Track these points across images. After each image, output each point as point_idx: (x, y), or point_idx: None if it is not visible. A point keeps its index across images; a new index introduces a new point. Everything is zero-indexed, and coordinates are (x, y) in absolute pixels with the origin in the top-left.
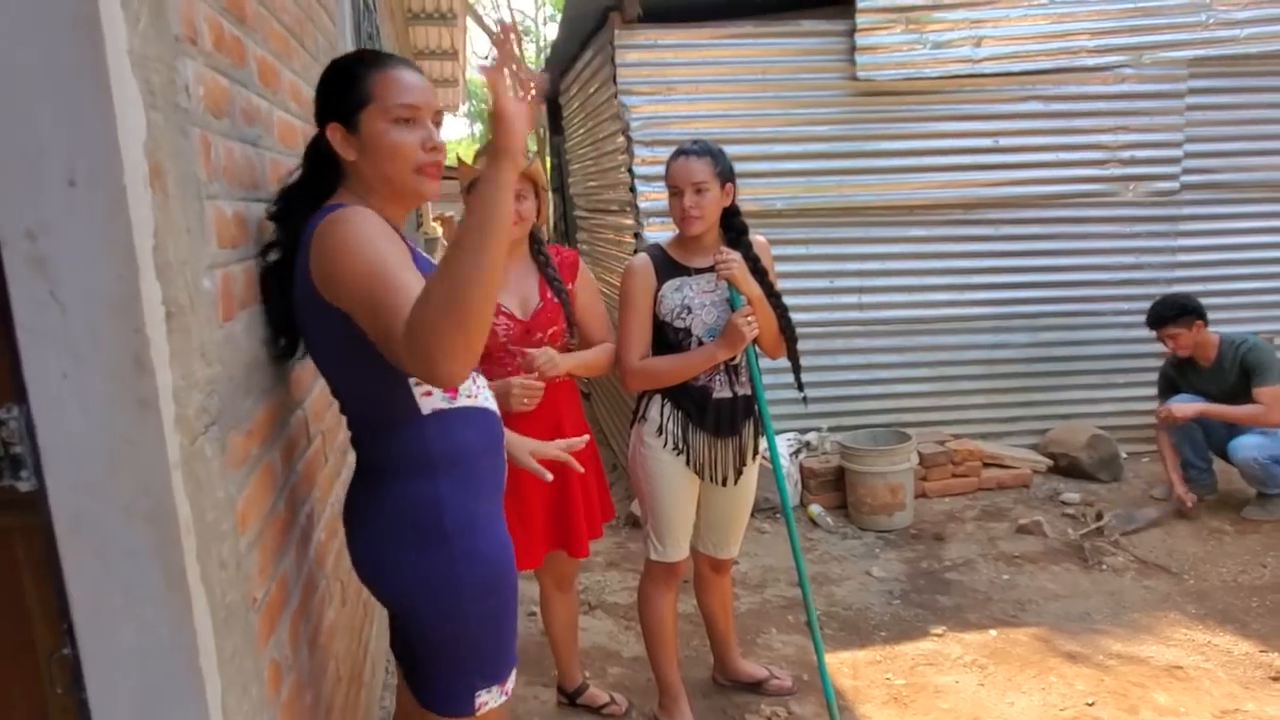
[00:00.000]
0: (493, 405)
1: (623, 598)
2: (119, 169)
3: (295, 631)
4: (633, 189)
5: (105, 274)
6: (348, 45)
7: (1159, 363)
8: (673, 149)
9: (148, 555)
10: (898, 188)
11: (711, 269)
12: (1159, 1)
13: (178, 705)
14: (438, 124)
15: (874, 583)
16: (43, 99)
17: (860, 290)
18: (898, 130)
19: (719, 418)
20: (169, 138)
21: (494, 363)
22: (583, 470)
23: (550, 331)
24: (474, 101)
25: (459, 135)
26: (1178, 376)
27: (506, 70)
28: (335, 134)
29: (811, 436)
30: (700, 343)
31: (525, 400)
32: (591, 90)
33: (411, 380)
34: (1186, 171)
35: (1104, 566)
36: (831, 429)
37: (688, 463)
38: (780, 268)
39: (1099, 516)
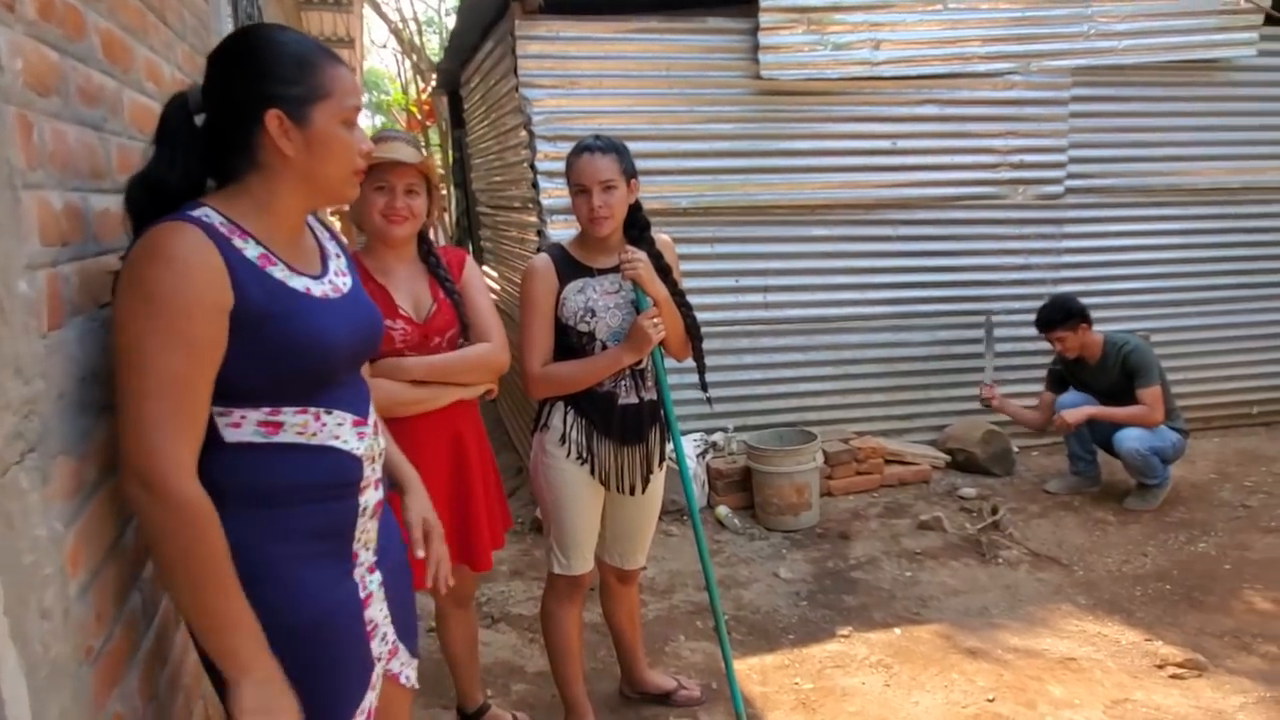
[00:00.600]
0: (347, 445)
1: (528, 609)
2: None
3: (148, 677)
4: (535, 185)
5: None
6: (224, 26)
7: (1047, 360)
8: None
9: None
10: (801, 187)
11: (615, 269)
12: (1044, 12)
13: None
14: None
15: (781, 584)
16: None
17: (765, 289)
18: (800, 130)
19: (625, 424)
20: None
21: None
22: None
23: (448, 334)
24: (374, 93)
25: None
26: (1065, 372)
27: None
28: (274, 123)
29: (718, 437)
30: (605, 347)
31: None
32: (493, 82)
33: (215, 406)
34: (1070, 176)
35: (1000, 560)
36: (737, 429)
37: (592, 472)
38: (685, 266)
39: (994, 511)
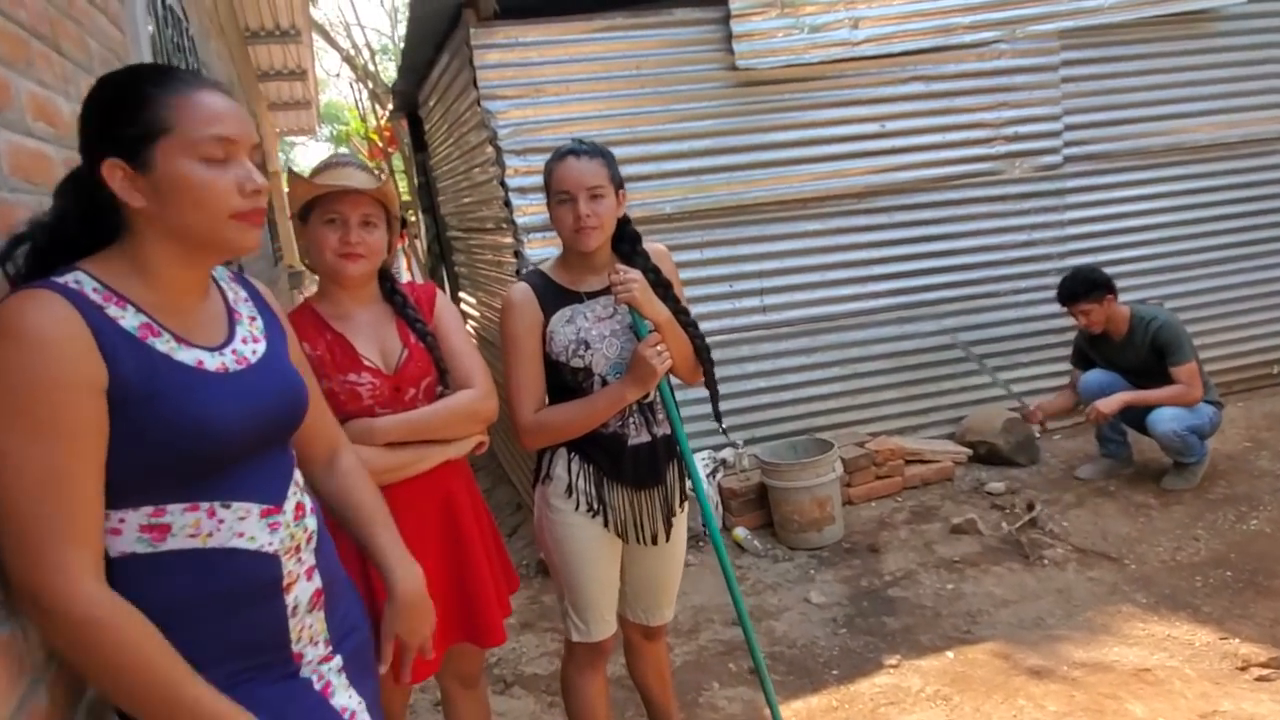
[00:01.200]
0: (254, 543)
1: (542, 666)
2: None
3: None
4: (508, 203)
5: None
6: (144, 58)
7: (1060, 339)
8: (546, 157)
9: None
10: (788, 181)
11: (606, 291)
12: None
13: None
14: (256, 160)
15: (815, 610)
16: None
17: (761, 292)
18: (783, 120)
19: (638, 466)
20: None
21: None
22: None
23: (424, 384)
24: (334, 125)
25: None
26: (1089, 348)
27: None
28: (114, 173)
29: (727, 454)
30: (604, 382)
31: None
32: (452, 99)
33: None
34: (1068, 144)
35: (1045, 561)
36: (747, 442)
37: (606, 524)
38: None
39: (1030, 506)
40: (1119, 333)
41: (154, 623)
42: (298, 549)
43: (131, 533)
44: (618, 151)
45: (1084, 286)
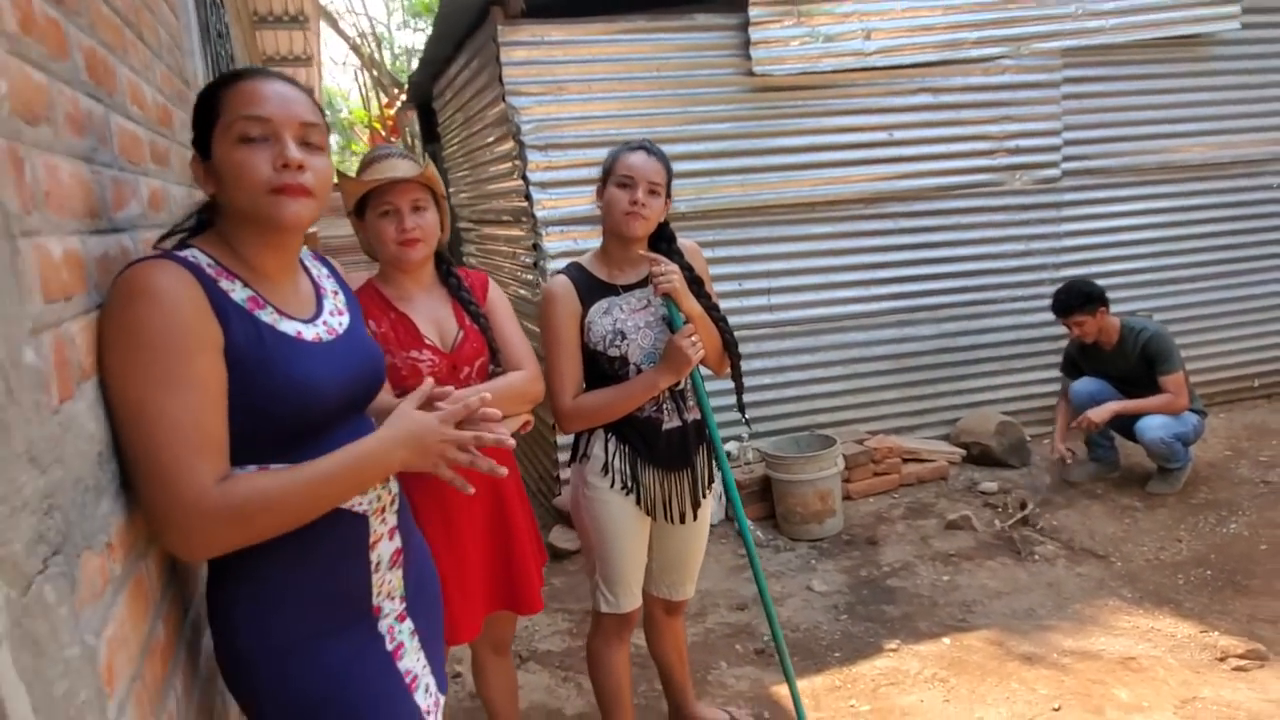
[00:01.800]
0: (346, 502)
1: (556, 644)
2: None
3: None
4: (528, 197)
5: None
6: (194, 43)
7: (1053, 346)
8: (567, 153)
9: None
10: (799, 184)
11: (640, 284)
12: None
13: None
14: (310, 141)
15: (817, 598)
16: None
17: (769, 291)
18: (796, 126)
19: (670, 449)
20: None
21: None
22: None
23: (477, 364)
24: (331, 110)
25: None
26: (1080, 358)
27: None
28: (196, 166)
29: (731, 446)
30: (639, 370)
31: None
32: (472, 93)
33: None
34: (1066, 159)
35: (1036, 557)
36: (751, 436)
37: (638, 502)
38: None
39: (1023, 505)
40: (1109, 343)
41: (256, 574)
42: (383, 510)
43: None
44: None
45: (1079, 299)
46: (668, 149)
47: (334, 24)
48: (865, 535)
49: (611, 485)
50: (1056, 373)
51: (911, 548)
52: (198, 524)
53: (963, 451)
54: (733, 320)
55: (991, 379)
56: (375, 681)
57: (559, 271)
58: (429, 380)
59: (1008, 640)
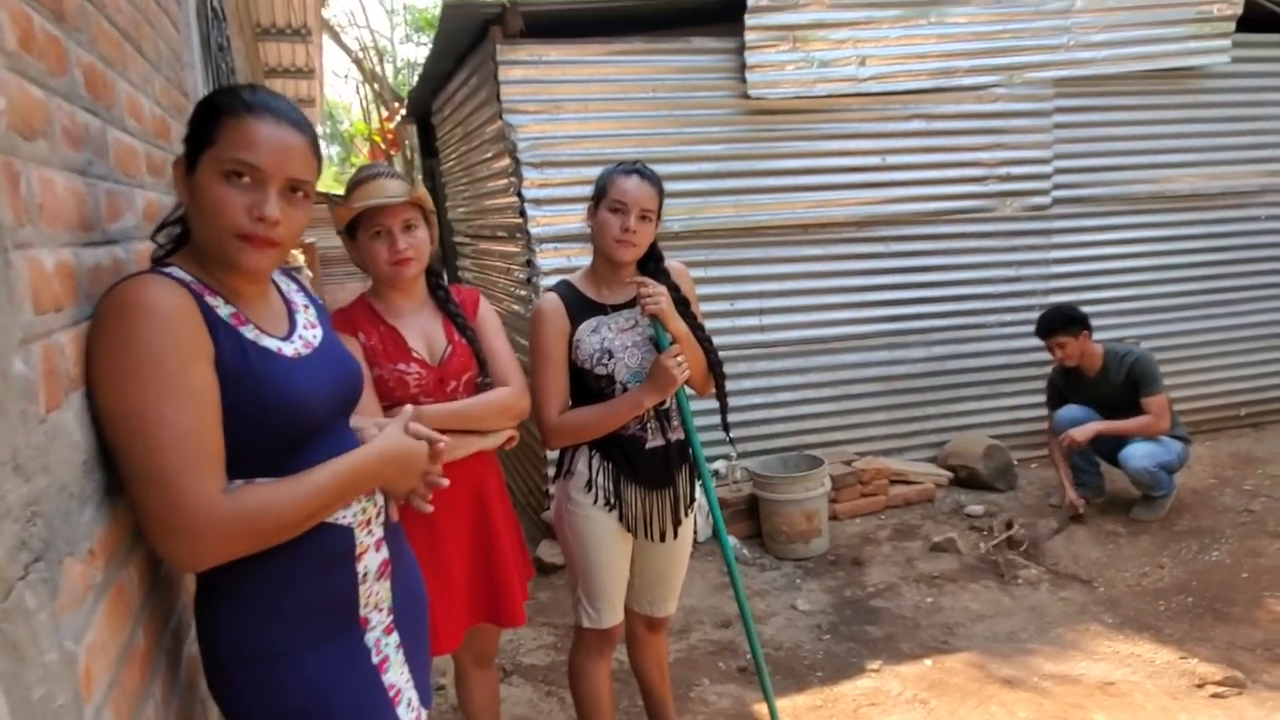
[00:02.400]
0: (335, 515)
1: (539, 658)
2: None
3: None
4: (523, 213)
5: None
6: (195, 55)
7: (1042, 372)
8: (562, 170)
9: None
10: (792, 206)
11: (628, 305)
12: (1025, 24)
13: None
14: (298, 191)
15: (801, 617)
16: None
17: (761, 312)
18: (790, 149)
19: (653, 468)
20: None
21: None
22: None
23: (465, 378)
24: (332, 123)
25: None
26: (1064, 385)
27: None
28: (176, 170)
29: (719, 465)
30: (625, 388)
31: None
32: (470, 109)
33: None
34: (1057, 187)
35: (1019, 580)
36: (739, 455)
37: (620, 518)
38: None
39: (1009, 526)
40: (1093, 369)
41: (243, 587)
42: (368, 522)
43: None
44: None
45: (1061, 321)
46: (662, 169)
47: (336, 37)
48: (851, 556)
49: (595, 501)
50: (1044, 397)
51: (896, 569)
52: (208, 533)
53: (950, 474)
54: (724, 340)
55: (980, 403)
56: (358, 694)
57: (549, 289)
58: (409, 407)
59: (989, 663)
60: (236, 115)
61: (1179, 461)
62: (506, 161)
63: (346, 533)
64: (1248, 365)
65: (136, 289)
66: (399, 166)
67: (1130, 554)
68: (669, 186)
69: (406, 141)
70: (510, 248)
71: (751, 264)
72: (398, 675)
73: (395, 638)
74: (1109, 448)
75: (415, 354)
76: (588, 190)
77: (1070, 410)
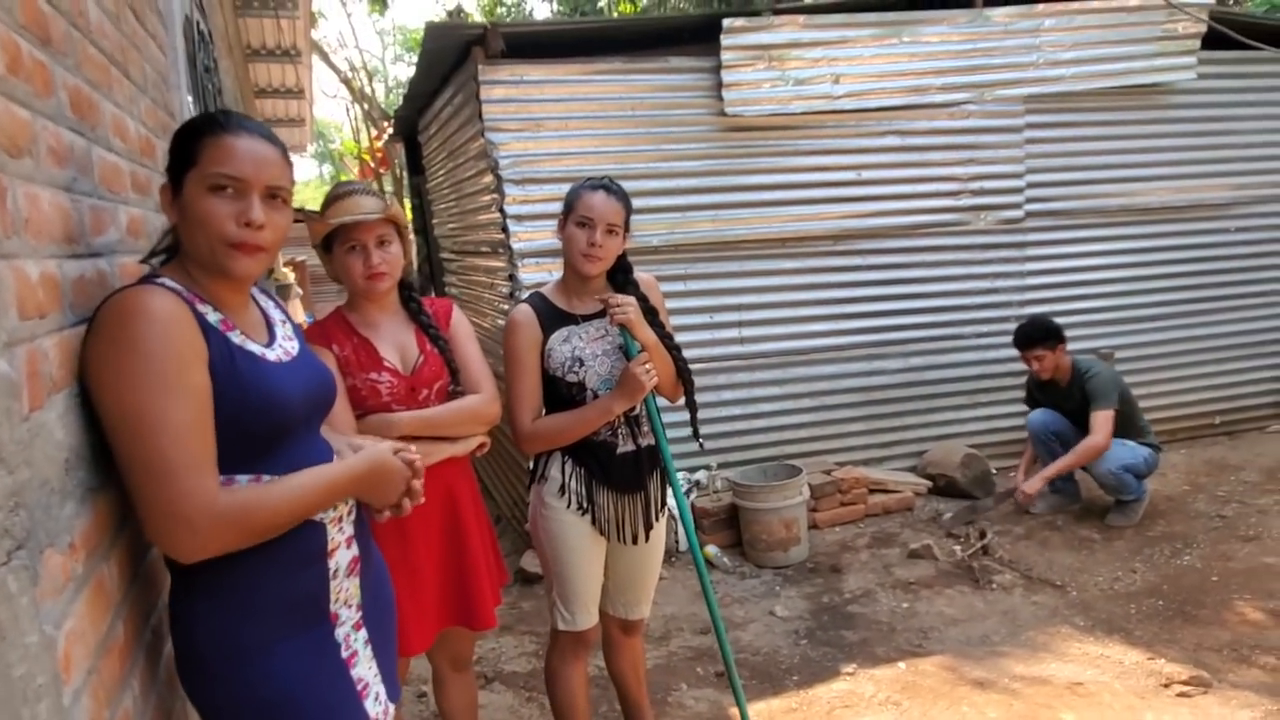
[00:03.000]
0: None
1: (520, 665)
2: None
3: None
4: (505, 229)
5: None
6: (181, 79)
7: (1017, 382)
8: (543, 187)
9: None
10: (769, 221)
11: (599, 315)
12: (995, 43)
13: None
14: (276, 197)
15: (779, 623)
16: None
17: (740, 324)
18: (766, 165)
19: (624, 473)
20: None
21: None
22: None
23: (436, 386)
24: (322, 141)
25: (307, 177)
26: (1037, 392)
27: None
28: (163, 194)
29: (700, 475)
30: (595, 395)
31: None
32: (454, 128)
33: None
34: (1029, 200)
35: (994, 585)
36: (720, 465)
37: (593, 522)
38: None
39: (982, 535)
40: (1064, 380)
41: (219, 581)
42: (340, 519)
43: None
44: None
45: (1040, 333)
46: (641, 185)
47: (326, 58)
48: (829, 563)
49: (568, 506)
50: (1020, 406)
51: (874, 576)
52: (206, 525)
53: (928, 483)
54: (703, 352)
55: (957, 412)
56: (328, 688)
57: (522, 300)
58: (394, 444)
59: (961, 665)
60: (214, 134)
61: (1146, 466)
62: (489, 178)
63: (319, 529)
64: (1220, 374)
65: (136, 297)
66: (388, 184)
67: (1104, 559)
68: (648, 202)
69: (395, 160)
70: (494, 262)
71: (730, 277)
72: (366, 670)
73: (364, 634)
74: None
75: (387, 363)
76: None
77: (1039, 414)
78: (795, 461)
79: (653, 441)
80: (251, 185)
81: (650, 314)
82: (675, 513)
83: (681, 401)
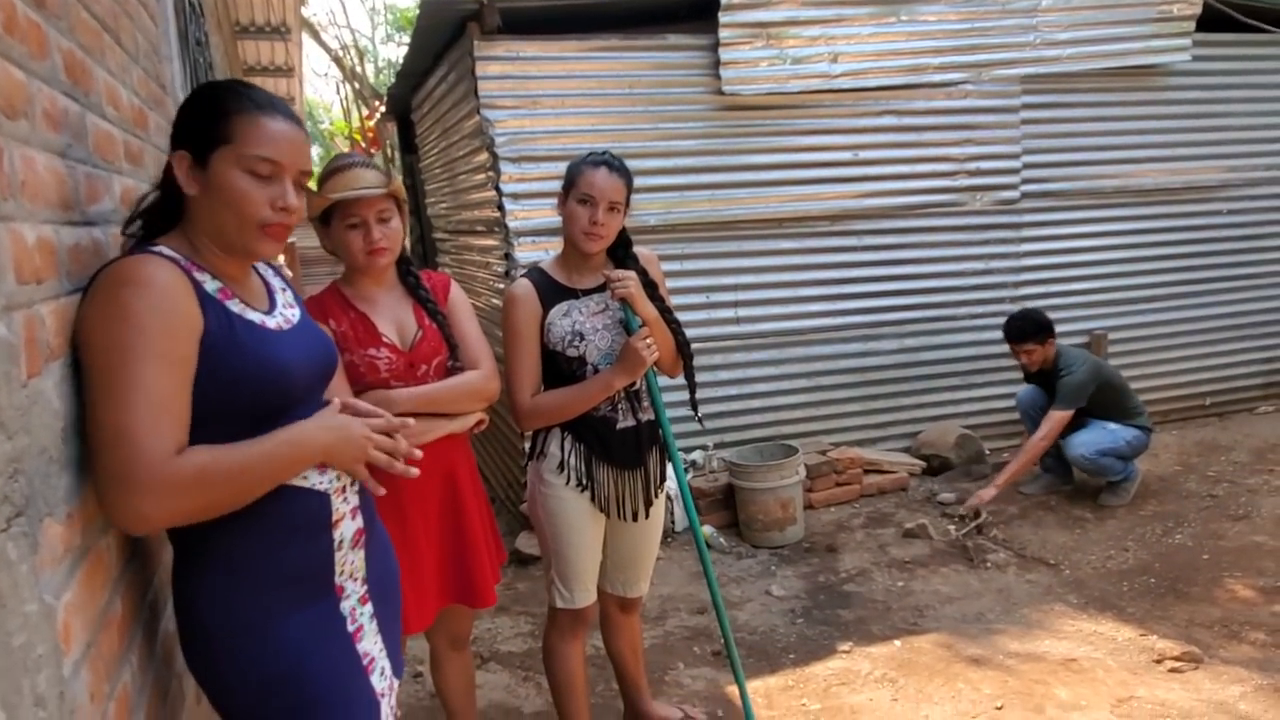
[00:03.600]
0: (308, 481)
1: (517, 645)
2: None
3: None
4: (500, 208)
5: None
6: (173, 50)
7: (1012, 363)
8: (540, 165)
9: None
10: (766, 200)
11: (599, 289)
12: (992, 23)
13: None
14: (300, 184)
15: (775, 602)
16: None
17: (736, 304)
18: (764, 144)
19: (624, 449)
20: None
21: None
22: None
23: (435, 362)
24: (312, 121)
25: None
26: (1028, 370)
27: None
28: (181, 163)
29: (696, 455)
30: (596, 370)
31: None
32: (448, 106)
33: None
34: (1025, 181)
35: (988, 564)
36: (716, 446)
37: (593, 499)
38: None
39: (977, 515)
40: (1049, 368)
41: (222, 552)
42: (344, 490)
43: None
44: None
45: (1032, 327)
46: (638, 164)
47: (316, 36)
48: (825, 543)
49: (567, 482)
50: (1014, 388)
51: (869, 555)
52: (156, 487)
53: (923, 463)
54: (700, 332)
55: (952, 393)
56: (334, 661)
57: (522, 275)
58: (337, 401)
59: (956, 643)
60: (249, 114)
61: (1129, 448)
62: (485, 157)
63: (323, 498)
64: (1212, 356)
65: (135, 265)
66: (379, 164)
67: (1097, 538)
68: (645, 181)
69: (387, 140)
70: (489, 241)
71: (727, 257)
72: (371, 644)
73: (370, 608)
74: (1060, 440)
75: (385, 339)
76: None
77: (1027, 391)
78: (791, 441)
79: (652, 417)
80: (286, 170)
81: (650, 288)
82: (672, 492)
83: (680, 379)
